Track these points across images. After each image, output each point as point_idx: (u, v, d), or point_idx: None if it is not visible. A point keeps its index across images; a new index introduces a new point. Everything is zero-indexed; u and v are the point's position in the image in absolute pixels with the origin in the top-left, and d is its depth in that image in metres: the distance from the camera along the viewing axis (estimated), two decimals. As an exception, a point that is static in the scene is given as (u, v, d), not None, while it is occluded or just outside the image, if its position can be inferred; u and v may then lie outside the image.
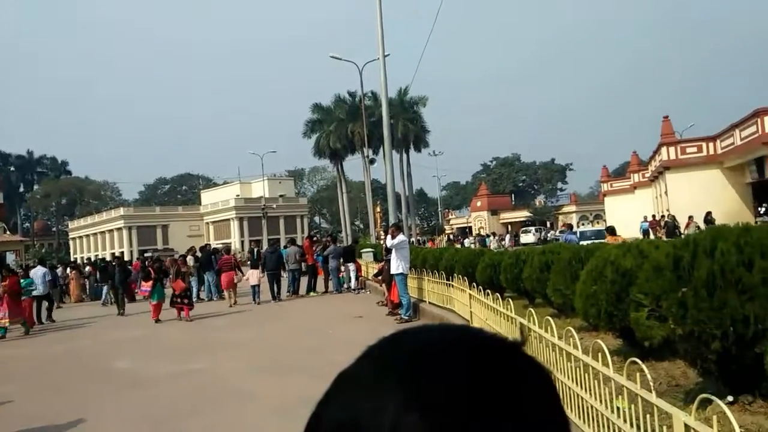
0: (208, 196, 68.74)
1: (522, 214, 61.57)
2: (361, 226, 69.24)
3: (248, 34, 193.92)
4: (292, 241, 18.69)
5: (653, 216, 24.57)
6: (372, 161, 46.56)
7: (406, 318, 10.53)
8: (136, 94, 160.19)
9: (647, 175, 35.66)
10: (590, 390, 3.48)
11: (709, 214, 22.05)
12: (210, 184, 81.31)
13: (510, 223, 60.48)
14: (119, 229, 59.10)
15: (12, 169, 71.64)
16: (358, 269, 18.85)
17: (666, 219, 23.96)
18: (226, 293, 16.38)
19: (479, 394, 0.38)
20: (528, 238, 43.90)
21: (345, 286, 17.87)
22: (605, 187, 44.79)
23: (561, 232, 33.12)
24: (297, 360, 7.85)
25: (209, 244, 26.73)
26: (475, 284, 8.33)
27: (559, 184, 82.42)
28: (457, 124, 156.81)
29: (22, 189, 73.11)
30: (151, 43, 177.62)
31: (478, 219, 61.99)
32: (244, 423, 5.45)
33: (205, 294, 18.30)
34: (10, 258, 35.70)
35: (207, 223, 63.16)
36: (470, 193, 77.79)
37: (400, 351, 0.43)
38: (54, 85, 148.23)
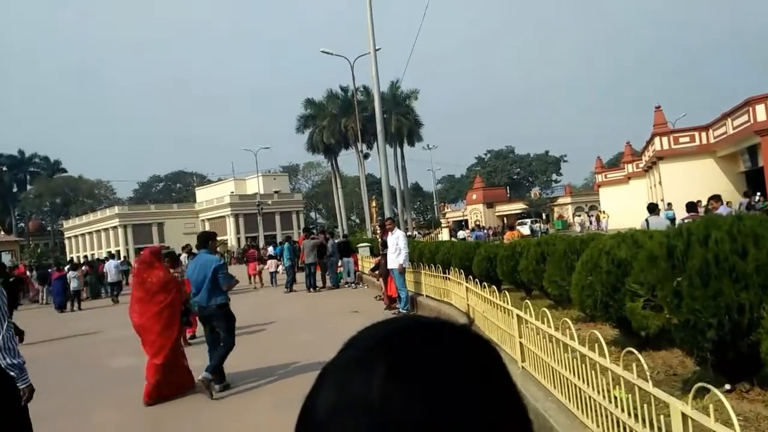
0: (202, 193, 68.52)
1: (518, 207, 61.68)
2: (357, 220, 69.22)
3: (241, 29, 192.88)
4: (307, 232, 18.82)
5: (698, 201, 23.14)
6: (366, 156, 46.52)
7: (404, 312, 10.54)
8: (127, 93, 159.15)
9: (641, 165, 35.78)
10: (588, 381, 3.50)
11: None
12: (204, 181, 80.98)
13: (506, 215, 60.60)
14: (115, 227, 58.89)
15: (4, 169, 71.15)
16: (355, 264, 18.88)
17: (705, 205, 22.27)
18: (250, 279, 20.72)
19: (445, 362, 0.46)
20: (524, 230, 44.04)
21: (343, 281, 17.92)
22: (600, 178, 44.89)
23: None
24: (289, 355, 7.83)
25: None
26: (471, 277, 8.35)
27: (554, 176, 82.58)
28: (451, 116, 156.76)
29: (15, 189, 72.69)
30: (143, 42, 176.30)
31: (474, 212, 62.07)
32: (234, 417, 5.45)
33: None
34: (6, 258, 35.56)
35: (202, 220, 62.97)
36: (465, 186, 77.85)
37: (378, 336, 0.50)
38: (45, 84, 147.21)
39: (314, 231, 22.15)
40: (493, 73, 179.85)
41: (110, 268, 21.28)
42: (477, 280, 7.90)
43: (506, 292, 6.04)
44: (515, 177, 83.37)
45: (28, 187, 74.55)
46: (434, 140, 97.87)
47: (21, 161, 74.17)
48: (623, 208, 36.55)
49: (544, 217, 57.03)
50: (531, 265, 8.29)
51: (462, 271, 9.08)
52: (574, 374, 3.74)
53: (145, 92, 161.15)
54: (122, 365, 8.44)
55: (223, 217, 60.12)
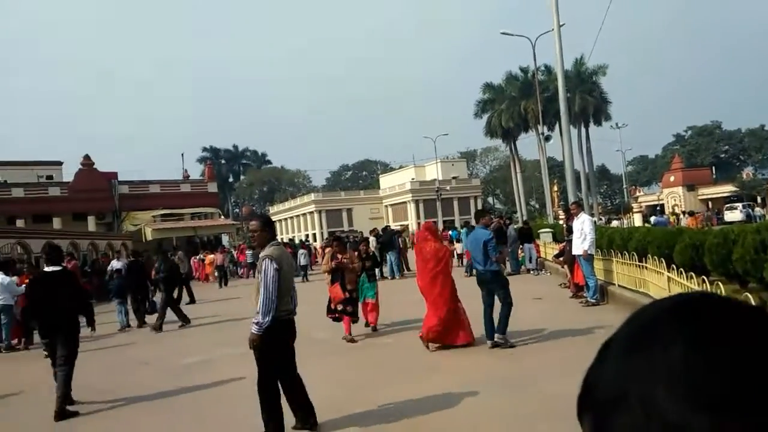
0: (386, 180, 71.95)
1: (725, 189, 54.21)
2: (537, 205, 66.98)
3: (419, 17, 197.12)
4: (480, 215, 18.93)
5: None
6: (547, 138, 44.65)
7: (593, 301, 10.04)
8: (317, 93, 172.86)
9: None
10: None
11: None
12: (387, 168, 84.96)
13: (711, 199, 53.66)
14: (311, 212, 64.73)
15: (222, 161, 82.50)
16: (537, 250, 18.40)
17: None
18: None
19: (744, 335, 0.44)
20: (734, 215, 38.62)
21: (524, 267, 17.60)
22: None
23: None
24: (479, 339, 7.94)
25: (389, 226, 28.07)
26: (674, 266, 7.66)
27: (773, 154, 70.85)
28: (644, 91, 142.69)
29: (231, 179, 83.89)
30: (327, 47, 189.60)
31: (672, 195, 56.00)
32: (432, 393, 5.73)
33: (387, 272, 19.36)
34: (225, 239, 41.33)
35: (386, 206, 66.20)
36: (661, 168, 70.63)
37: (664, 309, 0.48)
38: (248, 86, 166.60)
39: (492, 215, 22.01)
40: (693, 38, 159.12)
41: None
42: (680, 269, 7.23)
43: (719, 284, 5.46)
44: (722, 156, 73.38)
45: (241, 177, 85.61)
46: (624, 118, 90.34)
47: (235, 155, 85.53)
48: None
49: (759, 200, 49.37)
50: (748, 254, 7.32)
51: (661, 259, 8.36)
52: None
53: (334, 88, 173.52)
54: (323, 336, 9.34)
55: (405, 203, 62.50)
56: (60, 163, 40.17)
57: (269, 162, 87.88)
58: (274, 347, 4.63)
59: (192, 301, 17.28)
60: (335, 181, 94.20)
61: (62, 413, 6.08)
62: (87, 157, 36.08)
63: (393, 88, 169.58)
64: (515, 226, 20.70)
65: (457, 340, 7.58)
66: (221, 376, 7.34)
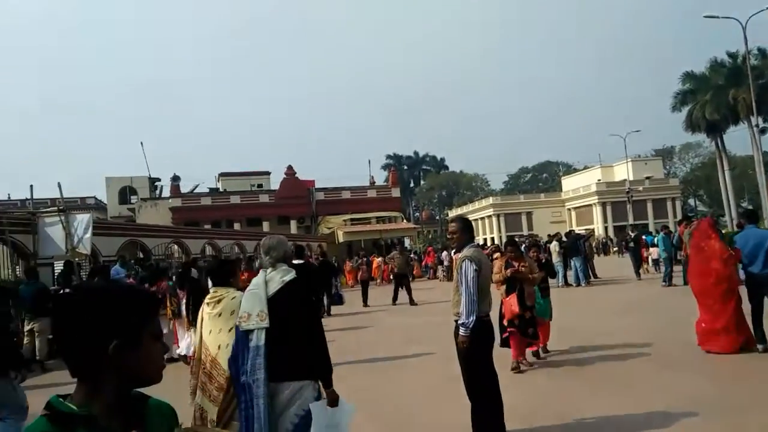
0: (568, 182, 68.85)
1: None
2: (750, 207, 58.45)
3: (602, 8, 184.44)
4: (687, 220, 17.65)
5: None
6: (763, 131, 38.91)
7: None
8: (486, 97, 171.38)
9: None
10: None
11: None
12: (570, 170, 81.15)
13: None
14: (489, 216, 64.64)
15: (405, 167, 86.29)
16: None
17: None
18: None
19: None
20: None
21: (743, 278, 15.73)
22: None
23: None
24: (684, 355, 7.46)
25: (573, 230, 27.00)
26: None
27: None
28: None
29: (411, 184, 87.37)
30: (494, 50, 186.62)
31: None
32: (626, 412, 5.58)
33: (572, 279, 18.75)
34: (407, 242, 43.27)
35: (569, 209, 63.34)
36: None
37: None
38: (428, 96, 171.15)
39: (693, 219, 20.06)
40: None
41: None
42: None
43: None
44: None
45: (421, 182, 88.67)
46: None
47: (416, 161, 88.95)
48: None
49: None
50: None
51: None
52: None
53: (512, 93, 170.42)
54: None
55: (590, 205, 59.20)
56: (269, 173, 45.75)
57: (447, 167, 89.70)
58: (482, 348, 4.67)
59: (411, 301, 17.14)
60: (514, 185, 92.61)
61: None
62: (290, 168, 40.63)
63: (573, 89, 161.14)
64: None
65: (730, 348, 7.09)
66: (412, 372, 7.91)
